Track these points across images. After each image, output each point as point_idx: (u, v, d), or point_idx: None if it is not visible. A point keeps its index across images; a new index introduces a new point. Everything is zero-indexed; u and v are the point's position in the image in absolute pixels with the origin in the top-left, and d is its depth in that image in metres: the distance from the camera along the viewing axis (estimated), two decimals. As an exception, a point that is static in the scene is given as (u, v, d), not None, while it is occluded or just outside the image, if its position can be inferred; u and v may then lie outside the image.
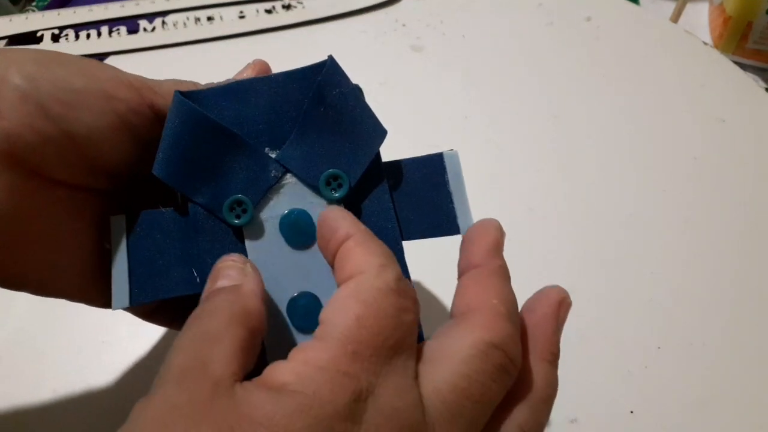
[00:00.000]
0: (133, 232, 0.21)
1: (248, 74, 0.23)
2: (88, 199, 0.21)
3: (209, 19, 0.48)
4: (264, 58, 0.24)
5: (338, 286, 0.17)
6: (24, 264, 0.20)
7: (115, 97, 0.20)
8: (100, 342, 0.31)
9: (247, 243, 0.21)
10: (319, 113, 0.21)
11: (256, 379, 0.16)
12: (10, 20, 0.48)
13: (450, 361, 0.17)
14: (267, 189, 0.21)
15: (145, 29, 0.48)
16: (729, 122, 0.40)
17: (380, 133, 0.21)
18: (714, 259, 0.34)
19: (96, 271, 0.22)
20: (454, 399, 0.16)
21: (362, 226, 0.19)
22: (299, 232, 0.21)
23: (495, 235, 0.20)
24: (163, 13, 0.49)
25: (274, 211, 0.21)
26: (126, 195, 0.22)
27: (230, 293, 0.18)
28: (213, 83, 0.22)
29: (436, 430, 0.16)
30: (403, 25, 0.47)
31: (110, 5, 0.50)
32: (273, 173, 0.21)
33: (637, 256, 0.34)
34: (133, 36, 0.48)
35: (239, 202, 0.20)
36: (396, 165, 0.22)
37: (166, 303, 0.24)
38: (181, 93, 0.20)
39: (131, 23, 0.49)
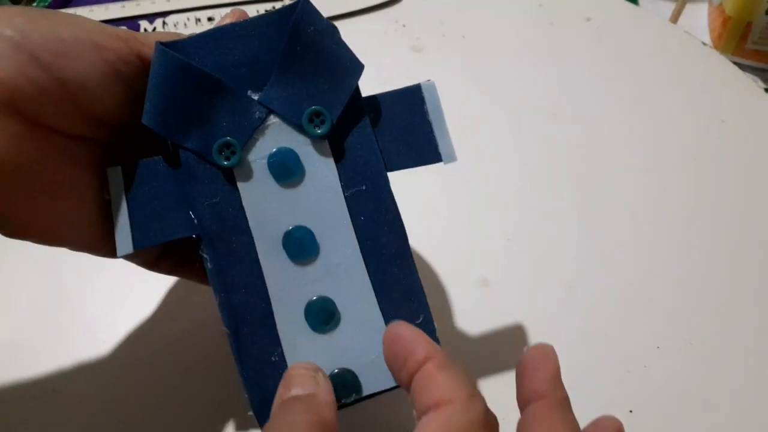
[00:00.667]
0: (130, 182, 0.22)
1: (228, 21, 0.23)
2: (86, 149, 0.22)
3: (209, 19, 0.48)
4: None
5: (419, 413, 0.17)
6: (27, 212, 0.21)
7: (103, 47, 0.21)
8: (101, 342, 0.31)
9: (239, 184, 0.22)
10: (297, 52, 0.21)
11: None
12: (11, 20, 0.48)
13: None
14: (253, 130, 0.22)
15: (145, 30, 0.48)
16: (729, 122, 0.40)
17: (357, 67, 0.22)
18: (714, 259, 0.34)
19: (99, 220, 0.22)
20: None
21: (439, 348, 0.19)
22: (287, 169, 0.22)
23: (556, 362, 0.20)
24: (164, 14, 0.49)
25: (261, 151, 0.22)
26: (124, 146, 0.23)
27: (307, 402, 0.18)
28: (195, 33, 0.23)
29: None
30: (404, 25, 0.47)
31: (111, 6, 0.50)
32: (257, 115, 0.22)
33: (637, 256, 0.34)
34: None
35: (227, 145, 0.21)
36: (375, 99, 0.23)
37: (169, 250, 0.26)
38: (163, 43, 0.21)
39: (132, 24, 0.49)
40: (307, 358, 0.21)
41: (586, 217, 0.36)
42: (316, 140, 0.22)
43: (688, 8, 0.52)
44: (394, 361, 0.20)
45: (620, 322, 0.31)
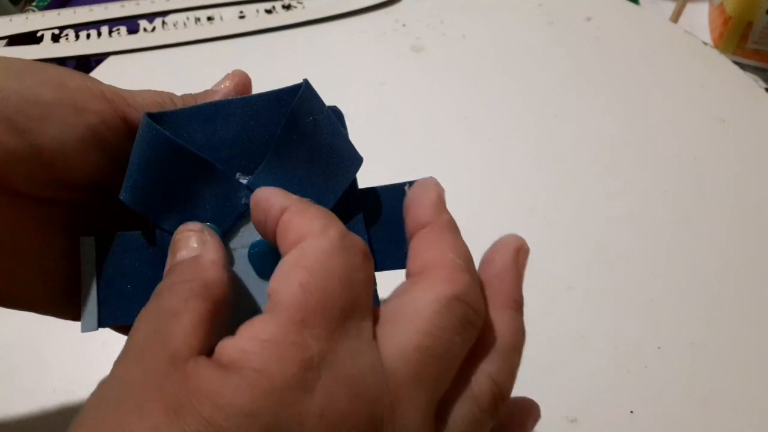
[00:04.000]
0: (103, 254, 0.21)
1: (227, 85, 0.22)
2: (56, 212, 0.21)
3: (209, 19, 0.48)
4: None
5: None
6: None
7: (86, 109, 0.19)
8: (101, 342, 0.31)
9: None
10: (292, 140, 0.20)
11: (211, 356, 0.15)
12: (10, 20, 0.48)
13: (411, 320, 0.16)
14: (237, 216, 0.20)
15: (145, 29, 0.48)
16: (729, 122, 0.40)
17: (355, 161, 0.20)
18: (714, 259, 0.34)
19: (65, 285, 0.21)
20: (419, 358, 0.16)
21: (295, 197, 0.18)
22: (268, 262, 0.20)
23: (437, 190, 0.19)
24: (163, 13, 0.49)
25: (243, 240, 0.20)
26: (98, 208, 0.22)
27: (189, 265, 0.17)
28: (190, 94, 0.22)
29: (400, 392, 0.15)
30: (403, 25, 0.47)
31: (110, 5, 0.50)
32: (243, 200, 0.20)
33: (637, 256, 0.34)
34: (133, 36, 0.48)
35: None
36: (373, 192, 0.21)
37: None
38: (150, 115, 0.20)
39: (131, 23, 0.49)
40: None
41: (586, 217, 0.36)
42: None
43: (689, 8, 0.52)
44: (258, 227, 0.19)
45: (620, 322, 0.31)
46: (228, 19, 0.48)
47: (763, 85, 0.49)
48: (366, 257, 0.17)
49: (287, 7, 0.49)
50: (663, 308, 0.32)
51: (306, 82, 0.20)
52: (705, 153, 0.39)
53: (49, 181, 0.20)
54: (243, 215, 0.20)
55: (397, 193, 0.21)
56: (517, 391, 0.29)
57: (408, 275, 0.18)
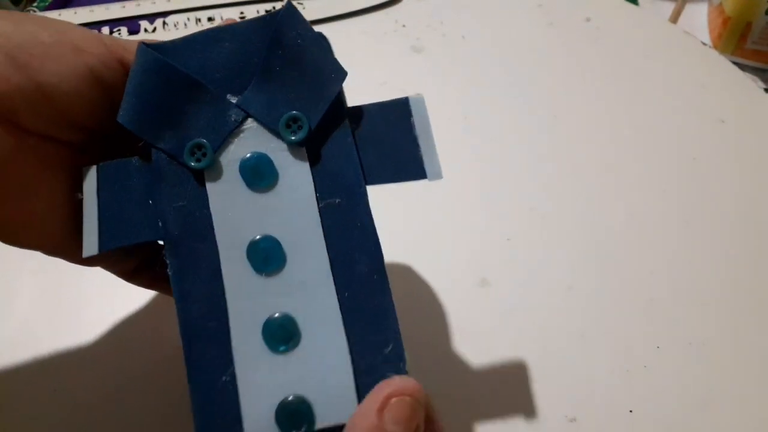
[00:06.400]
0: (102, 182, 0.22)
1: None
2: (60, 151, 0.22)
3: (210, 19, 0.48)
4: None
5: None
6: None
7: (85, 51, 0.21)
8: (101, 342, 0.31)
9: (208, 187, 0.21)
10: (278, 56, 0.21)
11: None
12: (11, 21, 0.48)
13: None
14: (228, 133, 0.21)
15: (146, 30, 0.48)
16: (728, 122, 0.40)
17: (340, 74, 0.21)
18: (714, 259, 0.34)
19: (70, 224, 0.22)
20: None
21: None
22: (259, 174, 0.21)
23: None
24: (164, 14, 0.49)
25: (234, 155, 0.21)
26: (99, 151, 0.23)
27: None
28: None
29: None
30: (403, 25, 0.47)
31: (111, 6, 0.50)
32: (233, 118, 0.21)
33: (637, 256, 0.34)
34: (134, 36, 0.48)
35: (199, 146, 0.21)
36: (360, 110, 0.22)
37: (146, 263, 0.25)
38: (146, 43, 0.21)
39: (132, 24, 0.49)
40: (261, 380, 0.20)
41: (586, 217, 0.36)
42: (292, 147, 0.21)
43: (688, 8, 0.52)
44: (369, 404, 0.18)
45: (620, 322, 0.31)
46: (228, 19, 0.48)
47: (763, 85, 0.49)
48: None
49: (287, 8, 0.49)
50: (663, 308, 0.32)
51: (288, 2, 0.21)
52: (704, 153, 0.39)
53: (52, 118, 0.21)
54: (233, 132, 0.21)
55: (384, 109, 0.22)
56: (517, 391, 0.29)
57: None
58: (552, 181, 0.38)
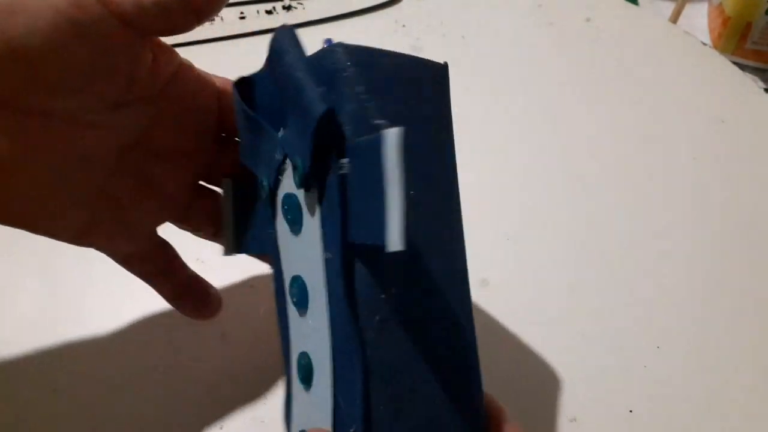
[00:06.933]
0: (234, 195, 0.25)
1: None
2: (52, 126, 0.20)
3: (210, 19, 0.48)
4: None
5: None
6: None
7: None
8: (101, 342, 0.31)
9: (276, 220, 0.22)
10: (278, 85, 0.21)
11: None
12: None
13: None
14: (276, 171, 0.21)
15: (145, 30, 0.48)
16: (728, 122, 0.40)
17: (315, 110, 0.18)
18: (714, 259, 0.34)
19: (65, 202, 0.21)
20: None
21: None
22: (291, 216, 0.21)
23: None
24: (164, 14, 0.49)
25: (281, 193, 0.22)
26: (108, 122, 0.21)
27: None
28: None
29: None
30: (403, 25, 0.47)
31: (111, 6, 0.50)
32: (277, 156, 0.21)
33: (637, 255, 0.34)
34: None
35: (260, 184, 0.22)
36: (352, 148, 0.18)
37: (139, 257, 0.27)
38: (237, 81, 0.23)
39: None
40: (298, 410, 0.22)
41: (586, 217, 0.36)
42: (307, 191, 0.20)
43: (688, 8, 0.52)
44: None
45: (620, 322, 0.31)
46: (228, 19, 0.48)
47: (762, 85, 0.49)
48: None
49: (288, 8, 0.49)
50: (663, 308, 0.32)
51: (281, 27, 0.21)
52: (704, 153, 0.39)
53: (33, 81, 0.19)
54: (279, 170, 0.21)
55: (364, 150, 0.17)
56: (517, 391, 0.29)
57: None
58: (552, 180, 0.38)
